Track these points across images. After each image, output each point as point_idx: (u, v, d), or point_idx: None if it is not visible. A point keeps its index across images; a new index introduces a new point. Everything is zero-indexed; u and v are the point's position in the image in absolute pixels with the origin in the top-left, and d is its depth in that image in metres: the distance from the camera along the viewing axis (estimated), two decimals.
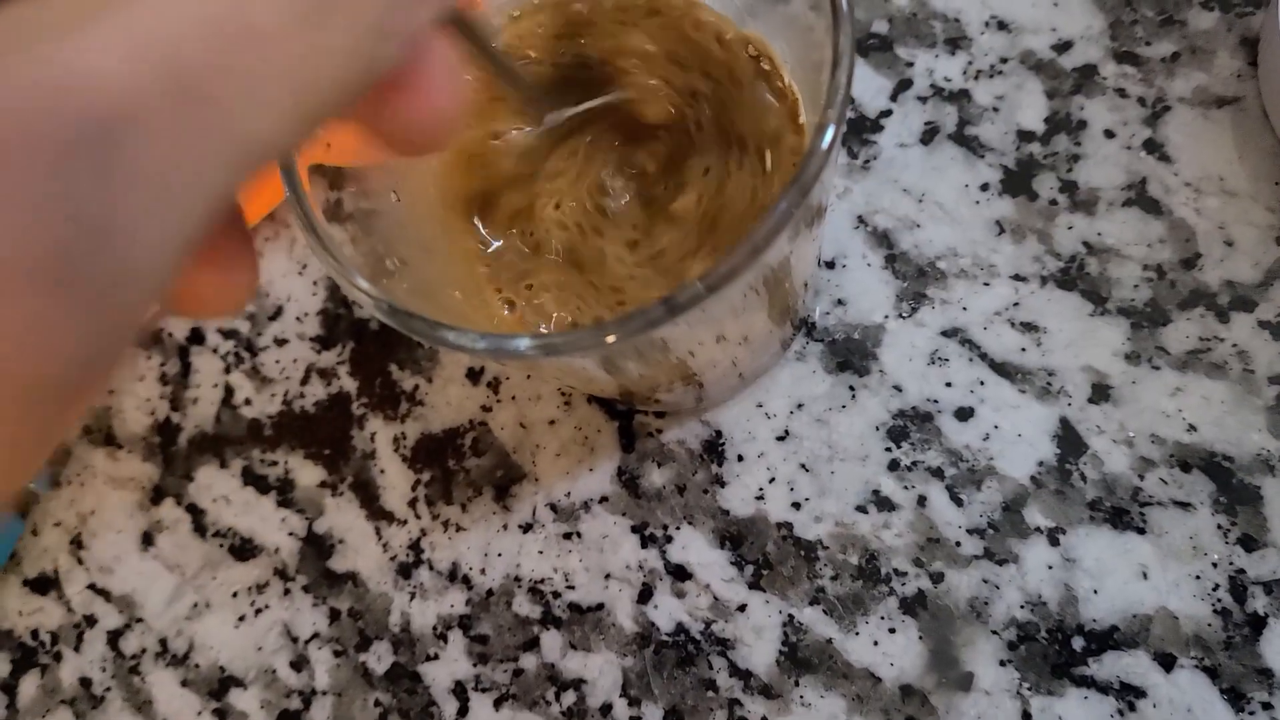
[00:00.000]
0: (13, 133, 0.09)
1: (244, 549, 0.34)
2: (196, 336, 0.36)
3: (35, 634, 0.34)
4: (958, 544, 0.29)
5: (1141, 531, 0.28)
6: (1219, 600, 0.27)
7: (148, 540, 0.34)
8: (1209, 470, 0.28)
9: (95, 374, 0.10)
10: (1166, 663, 0.27)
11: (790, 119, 0.27)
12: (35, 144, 0.09)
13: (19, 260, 0.09)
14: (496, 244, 0.29)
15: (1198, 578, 0.28)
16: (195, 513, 0.34)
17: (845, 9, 0.21)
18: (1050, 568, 0.28)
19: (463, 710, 0.31)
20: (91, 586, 0.34)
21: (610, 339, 0.21)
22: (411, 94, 0.15)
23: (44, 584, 0.35)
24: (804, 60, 0.27)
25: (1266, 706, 0.26)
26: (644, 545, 0.31)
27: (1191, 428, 0.29)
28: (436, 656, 0.31)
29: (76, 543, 0.35)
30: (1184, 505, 0.28)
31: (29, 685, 0.34)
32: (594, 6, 0.29)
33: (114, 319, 0.10)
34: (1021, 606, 0.28)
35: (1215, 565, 0.28)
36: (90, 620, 0.34)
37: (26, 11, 0.10)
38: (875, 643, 0.29)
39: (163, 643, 0.33)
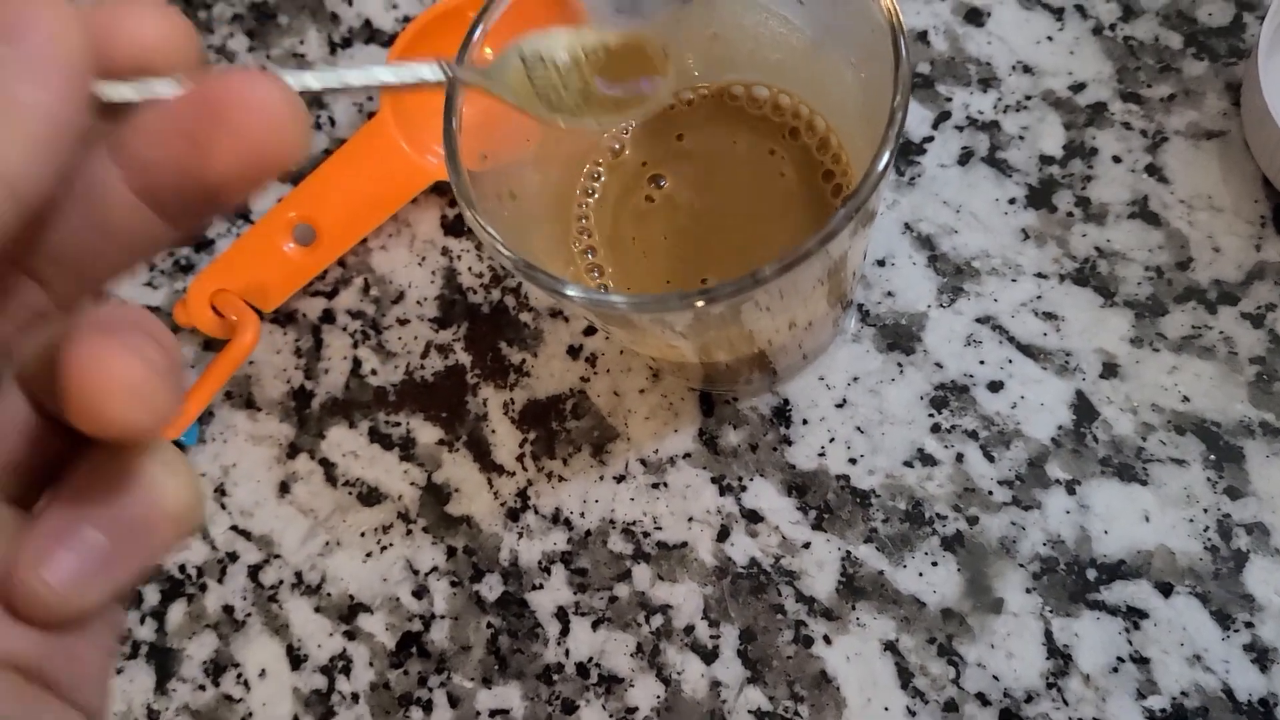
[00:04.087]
0: None
1: (371, 496, 0.39)
2: (328, 317, 0.41)
3: (183, 568, 0.39)
4: (990, 493, 0.35)
5: (1144, 483, 0.34)
6: (1209, 539, 0.33)
7: (284, 489, 0.40)
8: (1200, 434, 0.34)
9: None
10: (1165, 590, 0.33)
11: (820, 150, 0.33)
12: None
13: None
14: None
15: (1191, 521, 0.33)
16: (327, 466, 0.40)
17: (905, 74, 0.27)
18: (1068, 512, 0.34)
19: (565, 631, 0.36)
20: (234, 528, 0.39)
21: (700, 304, 0.26)
22: (220, 131, 0.15)
23: None
24: (842, 103, 0.32)
25: (1249, 625, 0.32)
26: (722, 494, 0.36)
27: (1185, 399, 0.34)
28: (541, 586, 0.36)
29: (220, 491, 0.40)
30: (1179, 462, 0.34)
31: (176, 612, 0.39)
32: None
33: None
34: (1044, 544, 0.34)
35: (1205, 511, 0.33)
36: (232, 556, 0.39)
37: None
38: (920, 574, 0.34)
39: (298, 575, 0.38)
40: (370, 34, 0.46)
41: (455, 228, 0.42)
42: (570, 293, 0.26)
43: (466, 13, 0.40)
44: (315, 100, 0.45)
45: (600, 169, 0.35)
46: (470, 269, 0.41)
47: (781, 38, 0.32)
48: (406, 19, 0.46)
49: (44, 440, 0.17)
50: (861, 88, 0.31)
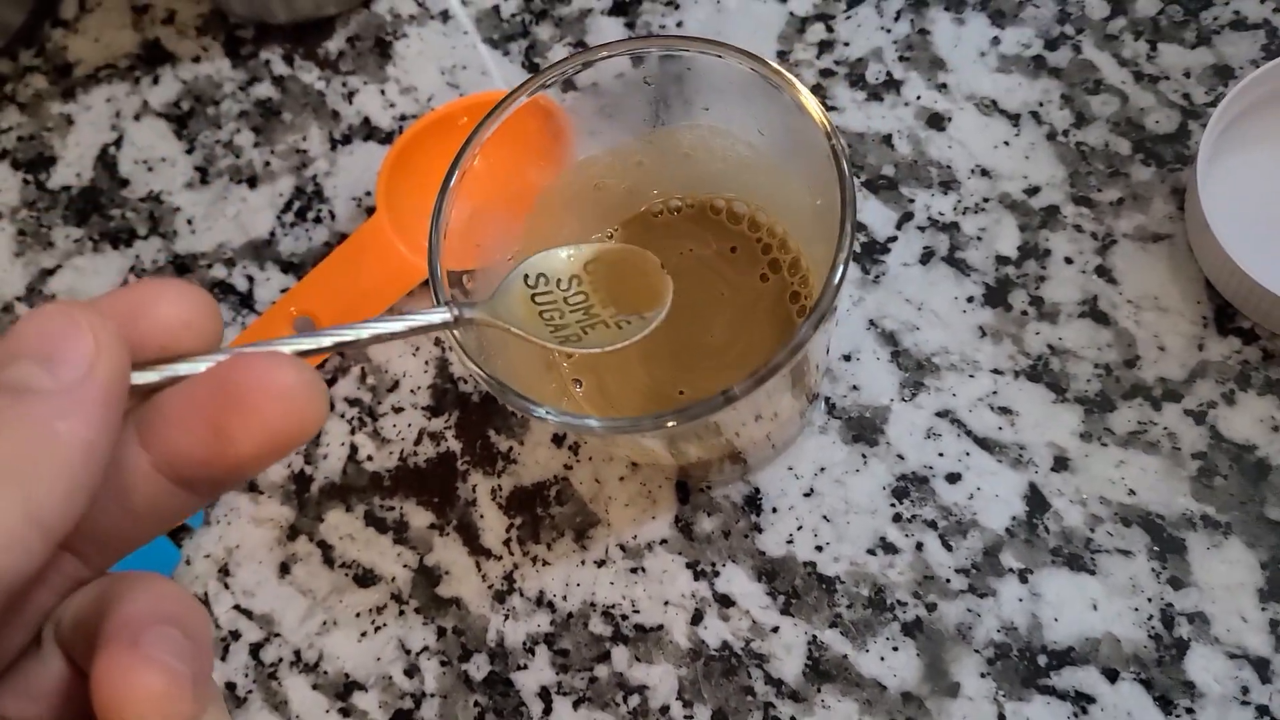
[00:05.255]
0: None
1: (366, 578, 0.41)
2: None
3: None
4: (948, 580, 0.37)
5: (1092, 573, 0.36)
6: (1153, 627, 0.35)
7: (284, 570, 0.42)
8: (1145, 526, 0.36)
9: None
10: (1111, 676, 0.35)
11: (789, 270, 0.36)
12: None
13: None
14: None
15: (1136, 609, 0.35)
16: (325, 548, 0.42)
17: (851, 201, 0.29)
18: (1021, 600, 0.36)
19: (547, 710, 0.38)
20: (236, 607, 0.42)
21: (671, 424, 0.29)
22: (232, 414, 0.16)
23: None
24: (803, 222, 0.35)
25: (1189, 711, 0.34)
26: (696, 579, 0.38)
27: (1132, 492, 0.36)
28: (526, 666, 0.39)
29: (224, 571, 0.42)
30: (1125, 553, 0.36)
31: None
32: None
33: None
34: (998, 631, 0.36)
35: (1150, 600, 0.35)
36: (235, 635, 0.41)
37: None
38: (882, 658, 0.36)
39: (297, 654, 0.41)
40: (369, 131, 0.48)
41: None
42: (541, 414, 0.29)
43: (459, 119, 0.43)
44: (316, 193, 0.48)
45: None
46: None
47: (748, 161, 0.35)
48: (404, 117, 0.48)
49: (82, 697, 0.18)
50: (817, 211, 0.33)
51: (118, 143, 0.51)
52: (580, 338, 0.29)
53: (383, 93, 0.49)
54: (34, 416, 0.15)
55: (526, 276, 0.29)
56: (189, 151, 0.50)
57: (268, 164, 0.49)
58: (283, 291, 0.46)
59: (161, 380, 0.18)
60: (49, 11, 0.54)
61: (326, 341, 0.21)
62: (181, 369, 0.18)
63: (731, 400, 0.28)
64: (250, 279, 0.47)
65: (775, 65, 0.30)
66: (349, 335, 0.21)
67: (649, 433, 0.30)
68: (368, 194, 0.47)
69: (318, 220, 0.47)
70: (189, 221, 0.48)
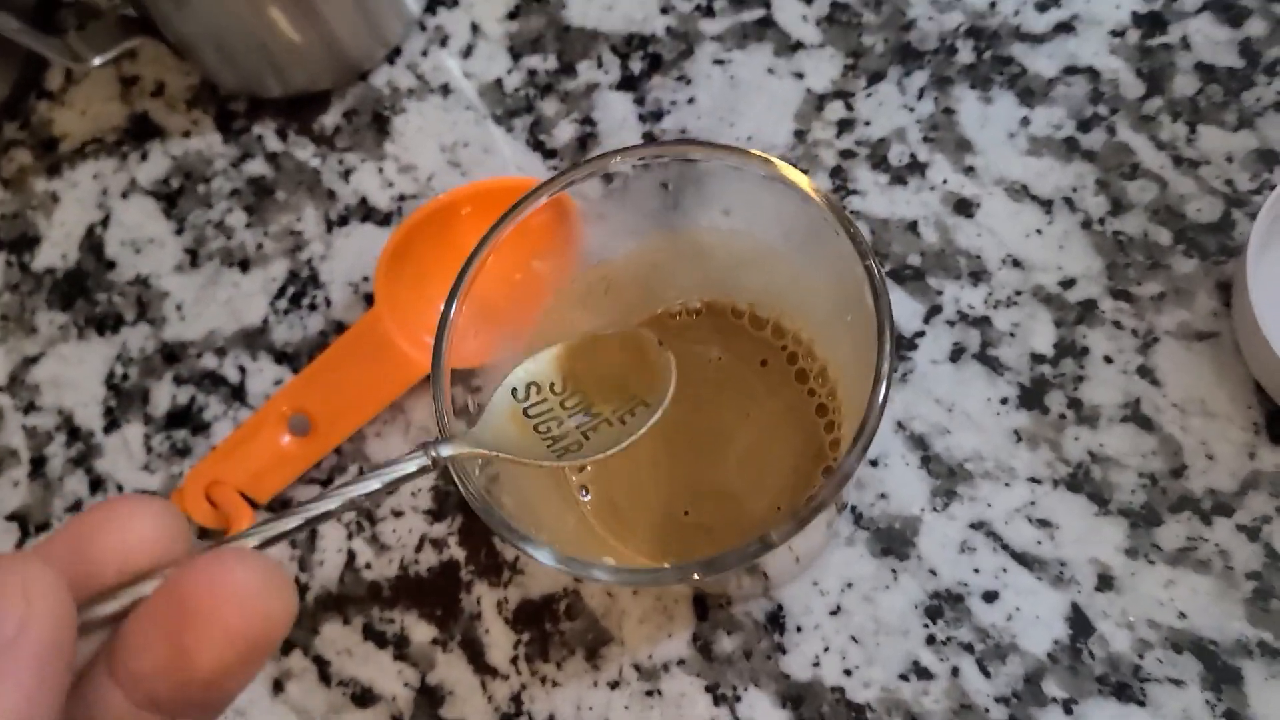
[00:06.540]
0: None
1: (364, 697, 0.39)
2: None
3: None
4: (987, 710, 0.34)
5: (1142, 704, 0.33)
6: None
7: (278, 687, 0.39)
8: (1197, 652, 0.34)
9: None
10: None
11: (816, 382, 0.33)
12: None
13: None
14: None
15: None
16: (321, 663, 0.39)
17: (889, 338, 0.27)
18: None
19: None
20: None
21: (697, 577, 0.26)
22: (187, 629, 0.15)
23: None
24: (831, 333, 0.32)
25: None
26: (716, 703, 0.36)
27: (1182, 615, 0.34)
28: None
29: None
30: (1177, 682, 0.33)
31: None
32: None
33: None
34: None
35: None
36: None
37: None
38: None
39: None
40: (366, 212, 0.46)
41: None
42: (543, 557, 0.26)
43: (461, 208, 0.41)
44: (311, 278, 0.45)
45: None
46: None
47: (771, 265, 0.33)
48: (403, 197, 0.46)
49: None
50: (848, 327, 0.31)
51: (104, 222, 0.48)
52: (582, 444, 0.26)
53: (381, 171, 0.47)
54: None
55: (515, 390, 0.27)
56: (179, 232, 0.48)
57: (260, 246, 0.46)
58: (276, 384, 0.44)
59: (124, 606, 0.16)
60: (34, 83, 0.52)
61: (295, 522, 0.19)
62: (145, 589, 0.16)
63: (769, 547, 0.26)
64: (242, 369, 0.44)
65: (811, 186, 0.28)
66: (319, 508, 0.20)
67: (672, 585, 0.27)
68: (365, 279, 0.45)
69: (313, 307, 0.45)
70: (178, 307, 0.46)
